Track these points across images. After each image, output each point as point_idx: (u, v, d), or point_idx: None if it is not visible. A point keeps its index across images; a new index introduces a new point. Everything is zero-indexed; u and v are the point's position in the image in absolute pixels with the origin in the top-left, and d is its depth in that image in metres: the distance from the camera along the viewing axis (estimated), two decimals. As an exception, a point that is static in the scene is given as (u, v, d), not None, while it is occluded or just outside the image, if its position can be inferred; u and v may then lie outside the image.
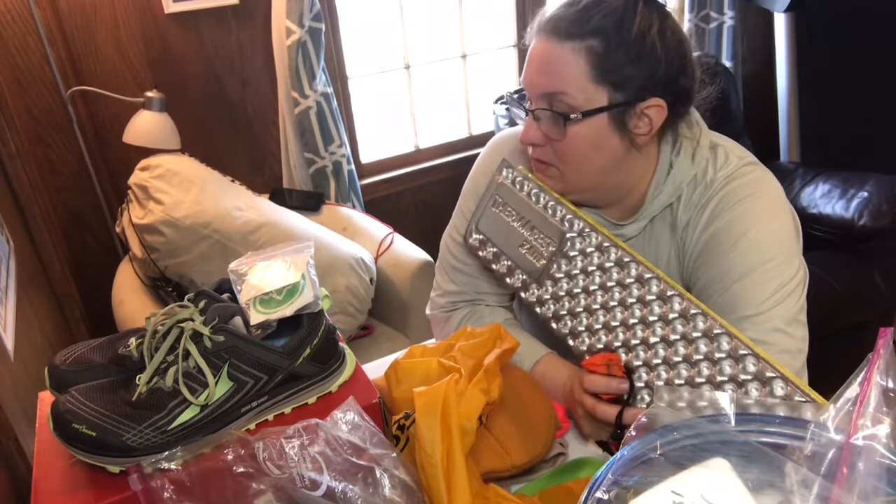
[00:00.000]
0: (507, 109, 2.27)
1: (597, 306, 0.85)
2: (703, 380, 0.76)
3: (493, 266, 0.96)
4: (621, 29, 0.82)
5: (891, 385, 0.48)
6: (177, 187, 1.71)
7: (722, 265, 0.87)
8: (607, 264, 0.85)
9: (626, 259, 0.84)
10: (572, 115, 0.84)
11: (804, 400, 0.70)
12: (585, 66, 0.83)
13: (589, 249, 0.87)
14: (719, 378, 0.75)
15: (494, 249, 0.96)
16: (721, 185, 0.90)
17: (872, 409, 0.47)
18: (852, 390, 0.50)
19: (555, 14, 0.86)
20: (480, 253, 0.97)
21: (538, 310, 0.90)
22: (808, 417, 0.55)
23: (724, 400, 0.57)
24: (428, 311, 1.14)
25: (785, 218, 0.89)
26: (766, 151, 2.58)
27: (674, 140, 0.92)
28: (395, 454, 0.70)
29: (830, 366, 0.78)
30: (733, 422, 0.55)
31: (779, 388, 0.72)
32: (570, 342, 0.87)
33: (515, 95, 0.94)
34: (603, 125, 0.85)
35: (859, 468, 0.46)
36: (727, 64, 2.63)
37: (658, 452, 0.53)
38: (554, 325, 0.89)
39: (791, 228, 0.89)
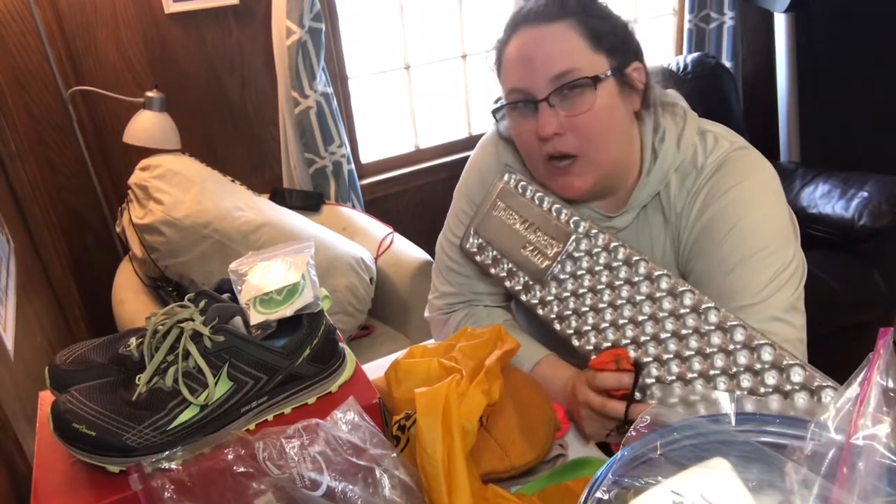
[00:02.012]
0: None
1: (603, 305, 0.85)
2: (717, 371, 0.77)
3: (492, 270, 0.96)
4: (589, 2, 0.89)
5: (891, 385, 0.48)
6: (177, 187, 1.71)
7: (717, 254, 0.87)
8: (615, 263, 0.85)
9: (636, 258, 0.84)
10: (601, 75, 0.86)
11: (825, 384, 0.70)
12: (581, 40, 0.86)
13: (595, 250, 0.87)
14: (734, 368, 0.76)
15: (494, 253, 0.95)
16: (712, 172, 0.90)
17: (872, 408, 0.47)
18: (852, 390, 0.50)
19: (528, 8, 0.88)
20: (478, 258, 0.97)
21: (540, 311, 0.90)
22: (807, 417, 0.55)
23: (725, 400, 0.57)
24: (426, 314, 1.14)
25: (777, 202, 0.89)
26: (766, 151, 2.56)
27: (654, 126, 0.93)
28: (395, 454, 0.70)
29: (830, 366, 0.78)
30: (733, 422, 0.55)
31: (797, 375, 0.72)
32: (575, 342, 0.87)
33: (497, 105, 0.94)
34: (613, 92, 0.88)
35: (859, 468, 0.46)
36: (727, 64, 2.63)
37: (658, 452, 0.53)
38: (557, 326, 0.88)
39: (783, 213, 0.89)
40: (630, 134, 0.92)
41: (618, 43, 0.88)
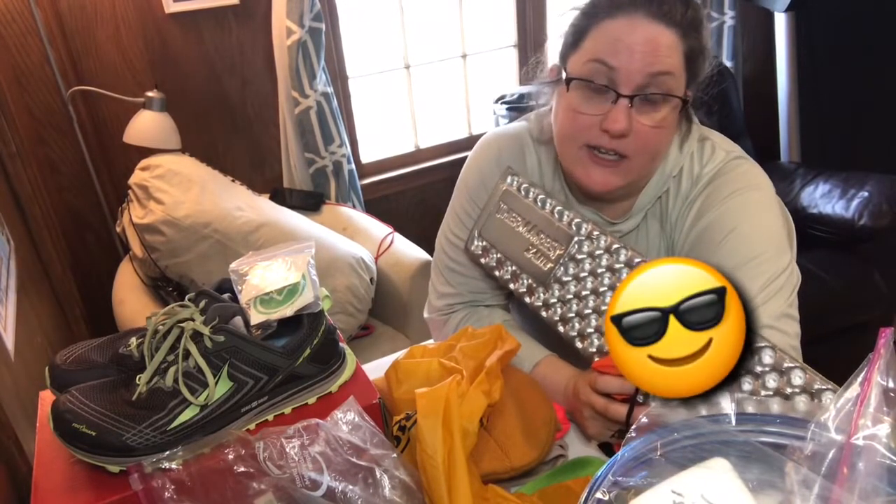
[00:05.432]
0: (509, 110, 2.27)
1: (606, 307, 0.85)
2: None
3: (497, 273, 0.96)
4: (701, 26, 0.85)
5: (891, 385, 0.48)
6: (177, 187, 1.71)
7: (711, 261, 0.87)
8: (617, 265, 0.85)
9: (637, 259, 0.84)
10: (684, 98, 0.84)
11: (825, 387, 0.70)
12: (680, 56, 0.84)
13: (598, 252, 0.87)
14: None
15: (498, 255, 0.95)
16: (708, 181, 0.90)
17: (873, 409, 0.47)
18: (853, 390, 0.50)
19: None
20: (483, 260, 0.97)
21: (544, 314, 0.90)
22: (808, 417, 0.55)
23: (725, 400, 0.57)
24: (426, 314, 1.13)
25: (773, 213, 0.89)
26: (766, 151, 2.58)
27: None
28: (395, 455, 0.70)
29: (830, 366, 0.78)
30: (733, 422, 0.55)
31: (797, 378, 0.72)
32: (579, 344, 0.87)
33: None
34: (677, 115, 0.87)
35: (860, 468, 0.46)
36: (727, 64, 2.63)
37: (658, 453, 0.52)
38: (561, 329, 0.88)
39: (779, 223, 0.88)
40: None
41: (696, 69, 0.87)
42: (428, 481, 0.69)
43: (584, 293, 0.87)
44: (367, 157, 2.44)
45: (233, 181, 1.92)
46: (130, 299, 1.76)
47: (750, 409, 0.62)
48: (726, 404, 0.56)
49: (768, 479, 0.50)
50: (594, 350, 0.85)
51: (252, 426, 0.75)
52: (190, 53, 2.02)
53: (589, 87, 0.85)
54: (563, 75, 0.88)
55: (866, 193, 2.08)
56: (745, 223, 0.86)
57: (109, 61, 1.92)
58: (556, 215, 0.91)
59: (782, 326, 0.84)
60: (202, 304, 0.74)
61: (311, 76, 2.04)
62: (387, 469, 0.69)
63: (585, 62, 0.85)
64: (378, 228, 2.06)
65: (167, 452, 0.66)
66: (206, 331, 0.70)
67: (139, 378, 0.71)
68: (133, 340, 0.76)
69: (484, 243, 0.97)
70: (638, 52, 0.82)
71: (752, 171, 0.91)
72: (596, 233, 0.87)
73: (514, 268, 0.94)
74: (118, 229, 1.84)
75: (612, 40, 0.83)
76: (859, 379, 0.49)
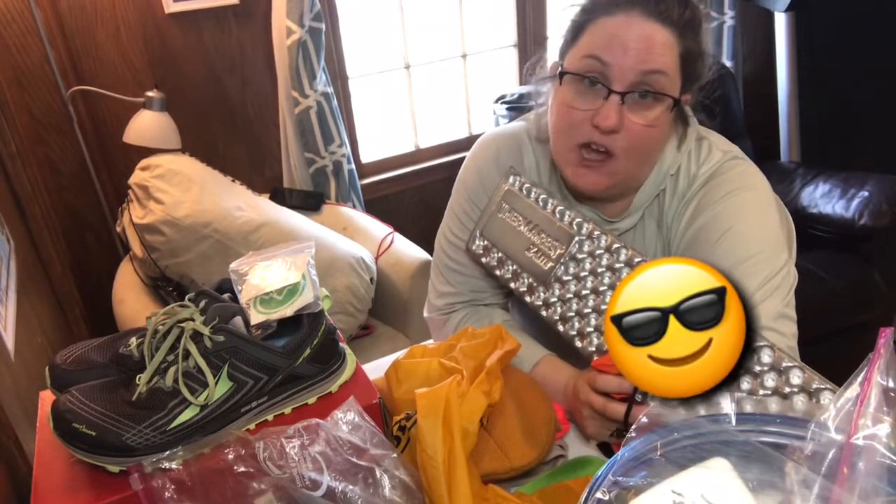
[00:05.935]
0: (509, 110, 2.27)
1: (605, 306, 0.85)
2: None
3: (498, 272, 0.96)
4: (700, 27, 0.85)
5: (891, 385, 0.48)
6: (177, 187, 1.71)
7: (707, 261, 0.87)
8: (617, 265, 0.85)
9: (637, 259, 0.84)
10: (678, 99, 0.84)
11: (824, 387, 0.70)
12: (676, 57, 0.84)
13: (598, 252, 0.87)
14: None
15: (499, 255, 0.95)
16: (704, 181, 0.90)
17: (873, 408, 0.47)
18: (853, 390, 0.50)
19: None
20: (484, 259, 0.97)
21: (544, 313, 0.90)
22: (808, 417, 0.55)
23: (725, 400, 0.57)
24: (425, 314, 1.13)
25: (769, 213, 0.88)
26: (766, 151, 2.59)
27: None
28: (395, 455, 0.70)
29: (830, 366, 0.78)
30: (733, 422, 0.55)
31: (796, 377, 0.72)
32: (578, 343, 0.87)
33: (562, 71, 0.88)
34: (671, 116, 0.86)
35: (860, 468, 0.46)
36: (727, 64, 2.63)
37: (658, 453, 0.53)
38: (561, 328, 0.88)
39: (775, 223, 0.88)
40: (659, 153, 0.92)
41: (693, 71, 0.87)
42: (428, 481, 0.69)
43: (584, 292, 0.87)
44: (367, 157, 2.44)
45: (233, 181, 1.92)
46: (130, 299, 1.76)
47: (750, 408, 0.62)
48: (726, 404, 0.56)
49: (768, 479, 0.50)
50: (593, 349, 0.85)
51: (252, 426, 0.75)
52: (190, 53, 2.02)
53: (582, 83, 0.86)
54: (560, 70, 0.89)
55: (866, 193, 2.08)
56: (742, 223, 0.86)
57: (109, 61, 1.92)
58: (558, 215, 0.91)
59: (778, 327, 0.84)
60: (202, 304, 0.74)
61: (311, 76, 2.04)
62: (387, 469, 0.69)
63: (581, 58, 0.86)
64: (378, 228, 2.06)
65: (167, 452, 0.66)
66: (206, 331, 0.70)
67: (139, 378, 0.71)
68: (133, 340, 0.76)
69: (485, 243, 0.97)
70: (632, 49, 0.82)
71: (749, 171, 0.91)
72: (597, 232, 0.88)
73: (514, 267, 0.94)
74: (118, 229, 1.84)
75: (608, 37, 0.83)
76: (859, 379, 0.50)
